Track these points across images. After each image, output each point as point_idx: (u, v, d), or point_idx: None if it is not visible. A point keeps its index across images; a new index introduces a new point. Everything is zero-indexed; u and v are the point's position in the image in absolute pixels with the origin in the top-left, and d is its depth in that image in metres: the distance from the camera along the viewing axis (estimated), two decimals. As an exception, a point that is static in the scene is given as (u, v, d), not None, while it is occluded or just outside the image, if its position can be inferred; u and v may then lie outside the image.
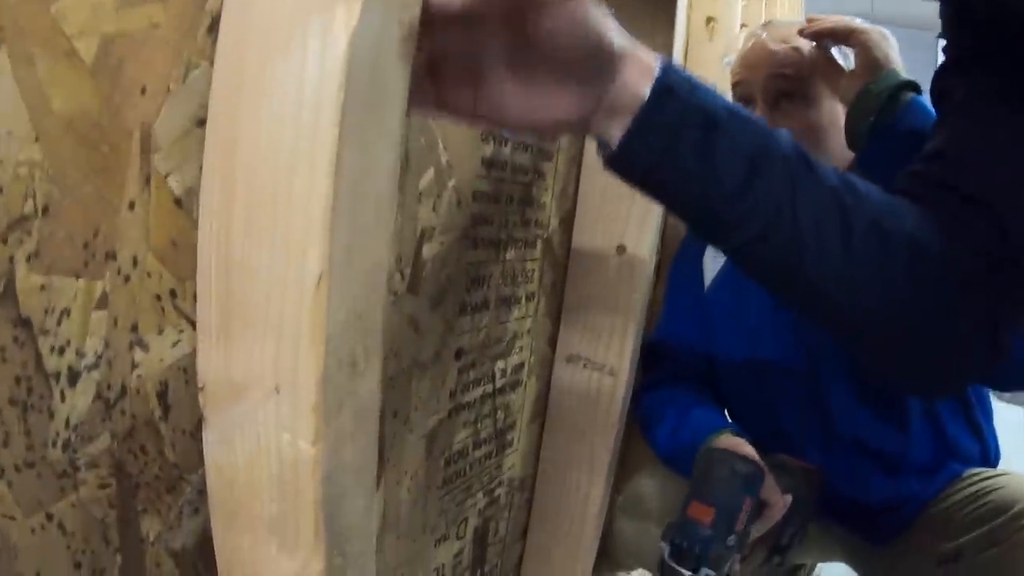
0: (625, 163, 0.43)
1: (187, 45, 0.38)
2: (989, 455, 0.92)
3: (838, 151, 0.87)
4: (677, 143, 0.42)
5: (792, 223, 0.44)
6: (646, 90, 0.41)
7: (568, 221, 0.84)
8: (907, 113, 0.78)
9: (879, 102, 0.78)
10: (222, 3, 0.37)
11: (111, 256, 0.37)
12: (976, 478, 0.84)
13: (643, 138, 0.41)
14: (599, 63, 0.40)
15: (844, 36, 0.85)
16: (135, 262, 0.38)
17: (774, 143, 0.45)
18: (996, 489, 0.79)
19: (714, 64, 1.04)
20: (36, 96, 0.33)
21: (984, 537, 0.73)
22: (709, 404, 0.97)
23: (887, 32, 0.83)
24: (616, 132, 0.42)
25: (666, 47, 0.78)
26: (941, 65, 0.57)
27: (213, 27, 0.38)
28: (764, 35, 0.90)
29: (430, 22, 0.36)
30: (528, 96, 0.40)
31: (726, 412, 1.05)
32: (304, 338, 0.30)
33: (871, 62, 0.81)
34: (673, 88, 0.42)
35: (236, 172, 0.33)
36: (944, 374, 0.53)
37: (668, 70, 0.42)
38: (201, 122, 0.38)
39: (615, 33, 0.40)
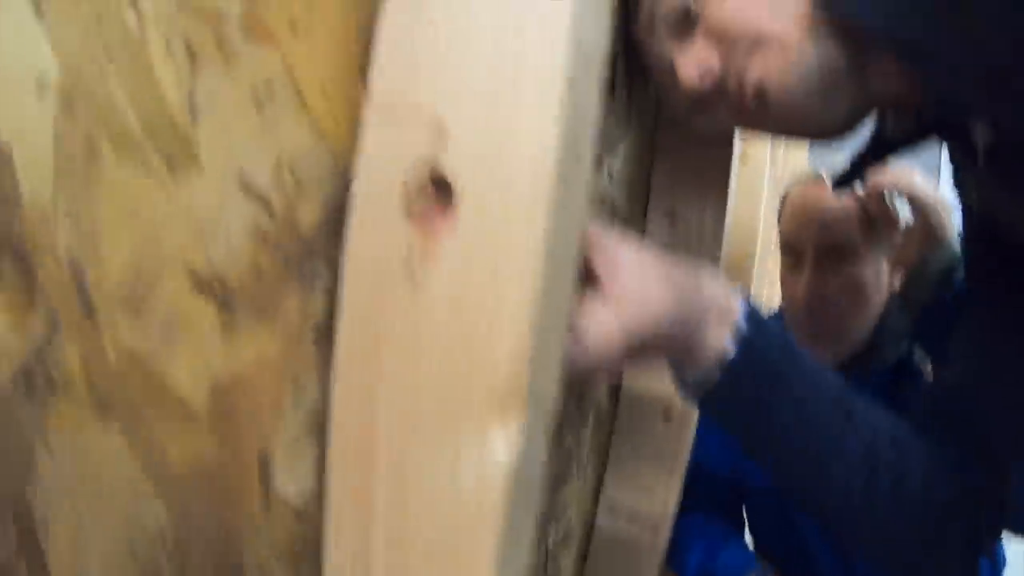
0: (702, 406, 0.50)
1: (295, 364, 0.37)
2: None
3: (874, 310, 0.89)
4: (753, 399, 0.48)
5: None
6: (728, 343, 0.46)
7: (615, 387, 0.85)
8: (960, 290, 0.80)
9: (938, 278, 0.80)
10: (323, 314, 0.36)
11: (237, 570, 0.36)
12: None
13: (725, 390, 0.47)
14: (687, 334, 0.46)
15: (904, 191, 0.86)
16: (261, 571, 0.37)
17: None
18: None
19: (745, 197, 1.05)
20: (152, 455, 0.33)
21: None
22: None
23: (942, 198, 0.85)
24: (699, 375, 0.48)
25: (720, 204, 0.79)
26: (965, 291, 0.63)
27: (319, 339, 0.38)
28: (815, 189, 0.92)
29: None
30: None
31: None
32: None
33: (928, 230, 0.83)
34: (751, 343, 0.47)
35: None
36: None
37: (748, 318, 0.47)
38: (311, 428, 0.38)
39: (693, 306, 0.45)
